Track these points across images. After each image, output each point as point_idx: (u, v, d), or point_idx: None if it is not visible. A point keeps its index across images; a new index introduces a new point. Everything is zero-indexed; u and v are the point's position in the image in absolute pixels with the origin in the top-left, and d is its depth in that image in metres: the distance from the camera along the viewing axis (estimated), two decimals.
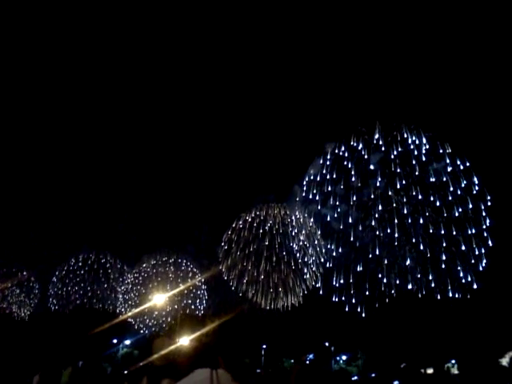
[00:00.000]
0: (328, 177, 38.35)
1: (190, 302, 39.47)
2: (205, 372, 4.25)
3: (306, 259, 40.20)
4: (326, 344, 43.82)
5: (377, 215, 36.35)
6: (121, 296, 39.44)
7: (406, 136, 36.92)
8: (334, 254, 38.00)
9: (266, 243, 39.82)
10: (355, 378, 33.91)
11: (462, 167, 36.49)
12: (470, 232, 35.46)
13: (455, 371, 37.78)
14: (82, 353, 33.29)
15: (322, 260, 39.04)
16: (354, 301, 37.72)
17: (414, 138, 36.92)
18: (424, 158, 36.59)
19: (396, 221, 35.77)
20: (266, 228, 40.21)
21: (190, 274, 39.86)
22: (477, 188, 36.23)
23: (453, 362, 38.80)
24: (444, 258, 35.12)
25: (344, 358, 48.26)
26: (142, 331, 38.18)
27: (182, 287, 35.01)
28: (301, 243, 39.98)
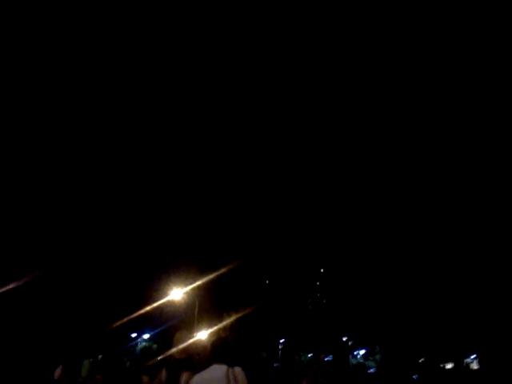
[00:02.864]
0: None
1: (206, 297, 39.67)
2: (222, 369, 4.27)
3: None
4: (344, 339, 43.72)
5: None
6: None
7: None
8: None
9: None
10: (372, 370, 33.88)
11: None
12: None
13: (475, 366, 37.39)
14: (101, 346, 33.81)
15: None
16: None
17: None
18: None
19: None
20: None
21: (206, 270, 40.00)
22: None
23: (472, 357, 38.33)
24: None
25: (362, 352, 48.10)
26: (160, 325, 38.56)
27: (198, 282, 35.21)
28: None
